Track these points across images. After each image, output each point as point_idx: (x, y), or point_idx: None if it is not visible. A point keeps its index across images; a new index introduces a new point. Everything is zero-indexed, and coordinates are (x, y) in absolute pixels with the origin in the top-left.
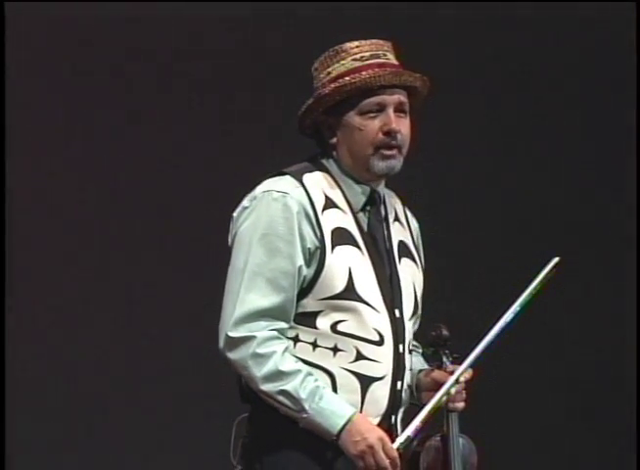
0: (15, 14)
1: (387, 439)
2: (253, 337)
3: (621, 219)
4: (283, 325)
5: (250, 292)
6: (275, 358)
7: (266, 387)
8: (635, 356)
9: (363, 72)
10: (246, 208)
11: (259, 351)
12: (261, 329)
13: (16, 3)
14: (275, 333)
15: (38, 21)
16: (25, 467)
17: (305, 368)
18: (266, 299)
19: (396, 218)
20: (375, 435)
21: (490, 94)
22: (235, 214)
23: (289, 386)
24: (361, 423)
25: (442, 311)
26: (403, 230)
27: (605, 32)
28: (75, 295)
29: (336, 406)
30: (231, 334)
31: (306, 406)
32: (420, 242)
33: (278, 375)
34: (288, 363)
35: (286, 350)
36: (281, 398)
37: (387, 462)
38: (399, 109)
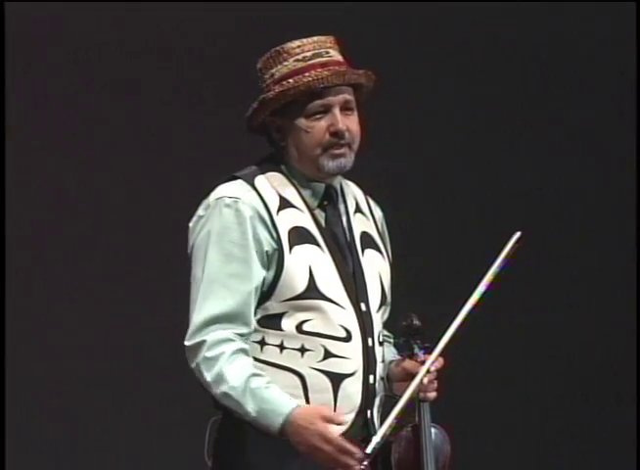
0: (15, 14)
1: (325, 418)
2: (204, 341)
3: (622, 219)
4: (241, 330)
5: (206, 300)
6: (221, 361)
7: (214, 390)
8: (635, 354)
9: (306, 74)
10: (201, 217)
11: (208, 354)
12: (213, 332)
13: (16, 3)
14: (228, 335)
15: (38, 21)
16: (25, 467)
17: (250, 370)
18: (221, 304)
19: (358, 210)
20: (312, 430)
21: (490, 94)
22: (191, 224)
23: (229, 389)
24: (298, 419)
25: (413, 301)
26: (366, 221)
27: (605, 32)
28: (76, 295)
29: (275, 404)
30: (187, 343)
31: (249, 409)
32: (385, 230)
33: (222, 377)
34: (233, 365)
35: (236, 351)
36: (226, 401)
37: (338, 441)
38: (345, 107)
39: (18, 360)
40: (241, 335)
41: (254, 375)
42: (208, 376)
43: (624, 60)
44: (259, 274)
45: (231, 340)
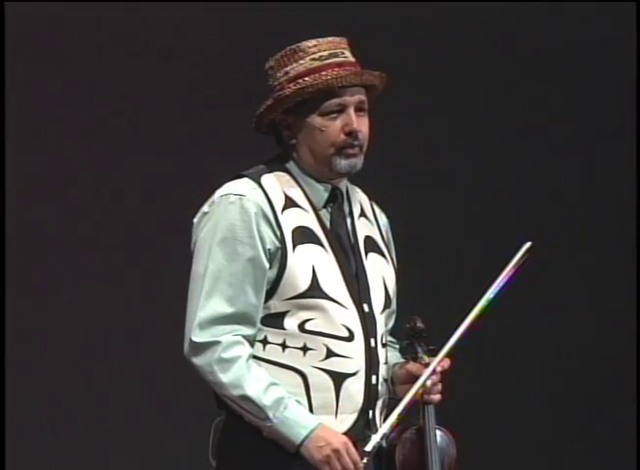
0: (15, 14)
1: (350, 443)
2: (218, 342)
3: (622, 219)
4: (247, 331)
5: (211, 297)
6: (240, 363)
7: (230, 392)
8: (635, 354)
9: (323, 73)
10: (205, 213)
11: (224, 355)
12: (225, 334)
13: (16, 3)
14: (239, 338)
15: (38, 21)
16: (25, 467)
17: (270, 378)
18: (228, 303)
19: (362, 214)
20: (339, 440)
21: (491, 94)
22: (195, 220)
23: (251, 392)
24: (325, 431)
25: (418, 303)
26: (371, 226)
27: (605, 32)
28: (76, 295)
29: (300, 417)
30: (195, 339)
31: (270, 415)
32: (390, 237)
33: (243, 380)
34: (253, 370)
35: (250, 356)
36: (244, 404)
37: (351, 465)
38: (359, 107)
39: (18, 360)
40: (246, 337)
41: (275, 384)
42: (225, 377)
43: (624, 60)
44: (265, 272)
45: (243, 343)
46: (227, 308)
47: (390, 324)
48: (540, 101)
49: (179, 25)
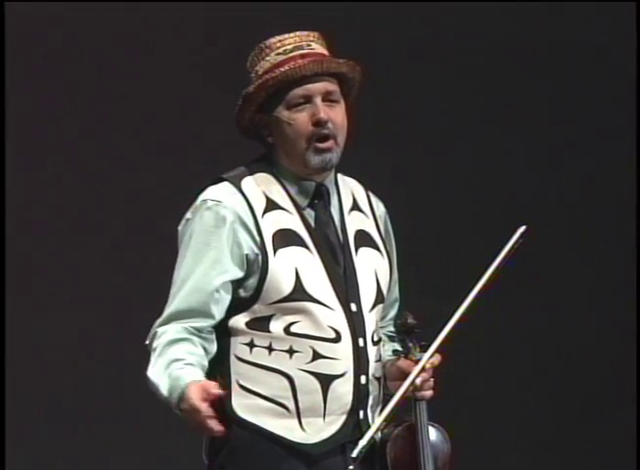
0: (15, 14)
1: (190, 394)
2: (155, 333)
3: (622, 219)
4: (199, 323)
5: (173, 300)
6: (158, 348)
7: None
8: (635, 354)
9: (285, 65)
10: (187, 220)
11: (154, 344)
12: (166, 325)
13: (16, 3)
14: (174, 327)
15: (38, 21)
16: (25, 467)
17: (176, 356)
18: (184, 302)
19: (355, 207)
20: (191, 399)
21: (491, 94)
22: (180, 228)
23: (151, 372)
24: (190, 392)
25: (413, 300)
26: (365, 218)
27: (605, 32)
28: (75, 295)
29: (179, 381)
30: (147, 342)
31: (162, 389)
32: (389, 227)
33: (150, 364)
34: (167, 352)
35: (176, 340)
36: (149, 385)
37: (200, 406)
38: (328, 98)
39: (18, 360)
40: (198, 328)
41: (177, 360)
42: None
43: (624, 60)
44: (231, 274)
45: (177, 331)
46: (181, 306)
47: (392, 313)
48: (540, 101)
49: (179, 25)
